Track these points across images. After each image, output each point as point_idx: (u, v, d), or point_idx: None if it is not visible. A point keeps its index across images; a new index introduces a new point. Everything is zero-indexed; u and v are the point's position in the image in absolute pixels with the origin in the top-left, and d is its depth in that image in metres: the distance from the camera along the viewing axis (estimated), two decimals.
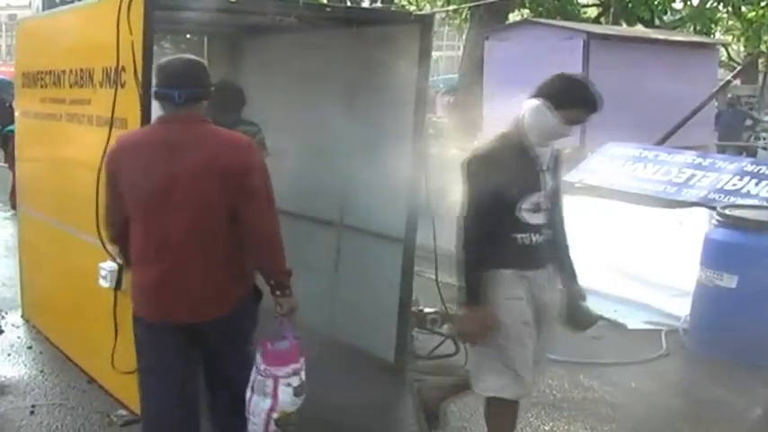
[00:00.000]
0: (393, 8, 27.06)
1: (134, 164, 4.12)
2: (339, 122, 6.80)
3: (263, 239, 4.16)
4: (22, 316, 7.65)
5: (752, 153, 18.50)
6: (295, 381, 4.28)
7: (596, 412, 5.97)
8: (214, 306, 4.18)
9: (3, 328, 7.33)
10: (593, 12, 32.29)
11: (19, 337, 7.21)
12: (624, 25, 28.05)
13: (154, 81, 4.30)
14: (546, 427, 5.69)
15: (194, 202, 4.04)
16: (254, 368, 4.26)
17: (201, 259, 4.11)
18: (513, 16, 26.34)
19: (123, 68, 5.28)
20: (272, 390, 4.22)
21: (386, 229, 6.63)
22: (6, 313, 7.65)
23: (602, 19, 30.30)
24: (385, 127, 6.47)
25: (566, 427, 5.71)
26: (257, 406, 4.24)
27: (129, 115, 5.27)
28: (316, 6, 6.19)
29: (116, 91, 5.37)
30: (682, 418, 6.05)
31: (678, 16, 31.57)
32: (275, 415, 4.23)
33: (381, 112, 6.52)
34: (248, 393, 4.27)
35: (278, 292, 4.23)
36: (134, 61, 5.11)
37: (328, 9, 6.08)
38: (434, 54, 42.09)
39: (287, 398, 4.25)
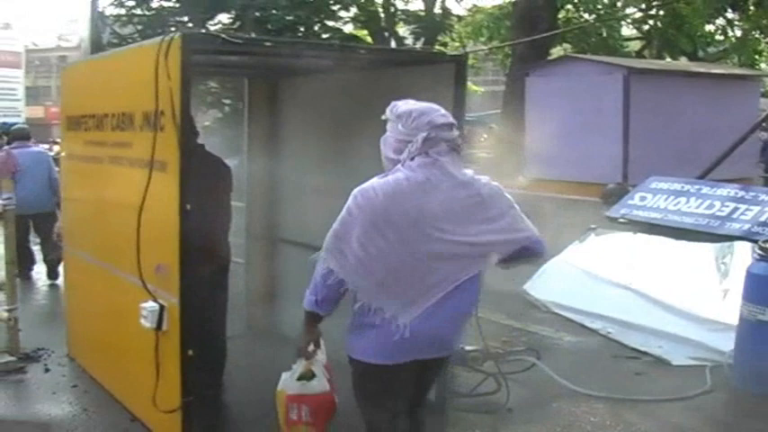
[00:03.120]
0: (437, 45, 27.27)
1: None
2: (375, 162, 6.85)
3: None
4: (67, 355, 7.75)
5: None
6: None
7: None
8: None
9: (49, 366, 7.48)
10: (635, 45, 32.28)
11: (64, 376, 7.31)
12: (668, 58, 28.01)
13: None
14: None
15: None
16: None
17: None
18: (557, 51, 26.40)
19: (162, 112, 5.39)
20: None
21: None
22: (52, 352, 7.79)
23: (646, 52, 30.29)
24: None
25: None
26: None
27: (169, 158, 5.38)
28: (350, 48, 6.27)
29: (155, 134, 5.49)
30: None
31: (722, 48, 31.48)
32: None
33: None
34: None
35: None
36: (172, 105, 5.23)
37: (362, 51, 6.15)
38: (480, 89, 42.18)
39: None
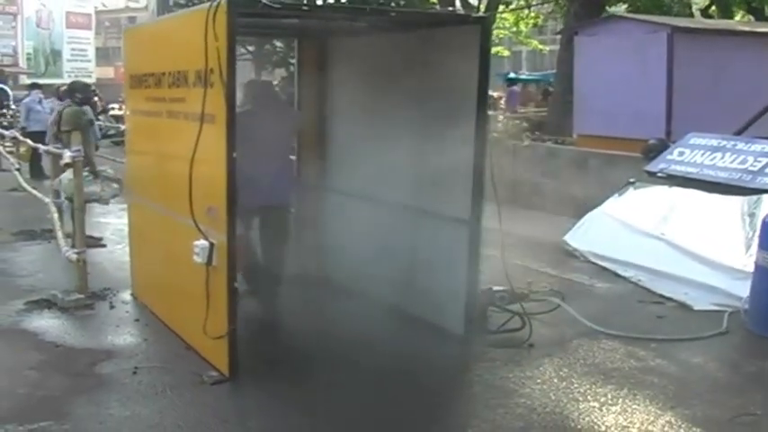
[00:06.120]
0: (501, 4, 27.36)
1: None
2: (412, 112, 7.35)
3: None
4: (131, 294, 8.48)
5: None
6: None
7: (642, 380, 6.39)
8: None
9: (114, 304, 8.18)
10: (703, 2, 32.01)
11: (127, 312, 8.01)
12: (737, 17, 27.78)
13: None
14: (591, 392, 6.15)
15: None
16: None
17: None
18: (616, 10, 26.36)
19: (211, 71, 6.00)
20: None
21: (455, 212, 7.14)
22: (118, 291, 8.52)
23: (713, 11, 30.09)
24: (452, 121, 6.96)
25: (613, 392, 6.15)
26: None
27: (217, 111, 6.00)
28: (381, 11, 6.79)
29: (205, 90, 6.11)
30: (725, 387, 6.42)
31: None
32: None
33: (449, 105, 7.02)
34: None
35: None
36: (219, 64, 5.83)
37: (392, 14, 6.67)
38: (546, 48, 41.57)
39: None
